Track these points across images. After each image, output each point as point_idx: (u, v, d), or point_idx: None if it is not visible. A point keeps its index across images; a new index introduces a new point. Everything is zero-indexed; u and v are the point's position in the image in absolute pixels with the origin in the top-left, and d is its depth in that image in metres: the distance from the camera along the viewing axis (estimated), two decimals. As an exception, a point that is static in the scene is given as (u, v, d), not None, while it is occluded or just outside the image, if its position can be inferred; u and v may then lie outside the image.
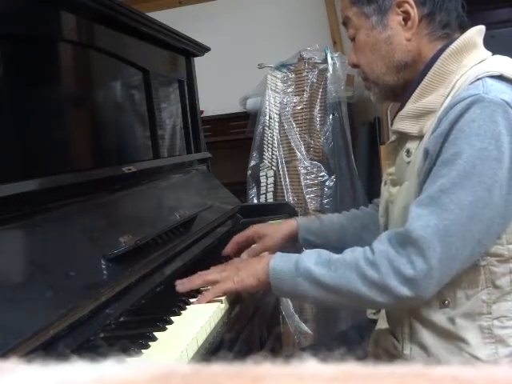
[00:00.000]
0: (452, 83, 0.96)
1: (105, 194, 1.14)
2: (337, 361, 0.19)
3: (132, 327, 0.87)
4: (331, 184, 2.33)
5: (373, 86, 1.06)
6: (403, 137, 1.02)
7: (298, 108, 2.39)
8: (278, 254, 1.01)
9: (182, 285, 1.01)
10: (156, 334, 0.82)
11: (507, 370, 0.18)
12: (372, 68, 1.04)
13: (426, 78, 0.98)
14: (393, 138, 1.06)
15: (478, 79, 0.91)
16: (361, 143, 2.55)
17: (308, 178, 2.35)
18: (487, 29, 1.03)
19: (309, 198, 2.33)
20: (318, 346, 1.34)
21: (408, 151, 1.00)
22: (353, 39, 1.07)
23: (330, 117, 2.35)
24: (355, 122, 2.59)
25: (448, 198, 0.87)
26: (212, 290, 0.99)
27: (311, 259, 0.95)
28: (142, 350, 0.77)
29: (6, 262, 0.77)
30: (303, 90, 2.38)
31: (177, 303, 0.95)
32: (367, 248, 0.93)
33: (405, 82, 1.03)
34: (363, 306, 1.00)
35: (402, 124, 1.00)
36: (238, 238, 1.28)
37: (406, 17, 1.00)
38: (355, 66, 1.08)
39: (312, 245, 1.23)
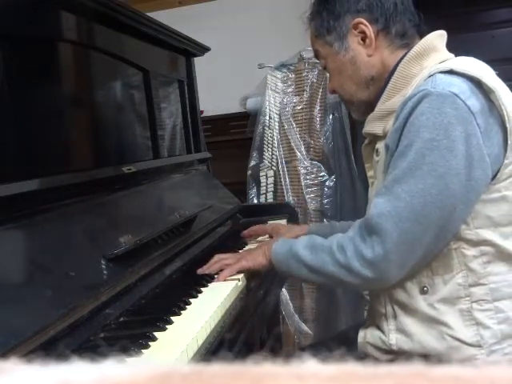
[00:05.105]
0: (412, 84, 1.02)
1: (105, 194, 1.14)
2: (337, 361, 0.19)
3: (132, 327, 0.87)
4: (331, 184, 2.33)
5: (349, 105, 1.16)
6: (374, 139, 1.10)
7: (298, 108, 2.39)
8: (282, 238, 1.16)
9: (202, 269, 1.15)
10: (156, 333, 0.82)
11: (507, 369, 0.18)
12: (344, 89, 1.13)
13: (390, 82, 1.05)
14: (366, 141, 1.14)
15: (430, 76, 0.97)
16: (361, 143, 2.54)
17: (308, 177, 2.34)
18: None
19: (309, 197, 2.33)
20: (318, 346, 1.34)
21: (377, 151, 1.07)
22: (325, 68, 1.16)
23: (330, 117, 2.35)
24: (355, 121, 2.58)
25: (400, 188, 0.94)
26: (230, 268, 1.12)
27: (302, 243, 1.06)
28: (142, 350, 0.77)
29: (6, 262, 0.77)
30: (303, 90, 2.38)
31: (177, 303, 0.95)
32: (343, 234, 1.03)
33: (375, 95, 1.10)
34: (339, 285, 1.14)
35: (371, 126, 1.08)
36: (258, 229, 1.44)
37: (364, 36, 1.08)
38: (334, 92, 1.17)
39: None
